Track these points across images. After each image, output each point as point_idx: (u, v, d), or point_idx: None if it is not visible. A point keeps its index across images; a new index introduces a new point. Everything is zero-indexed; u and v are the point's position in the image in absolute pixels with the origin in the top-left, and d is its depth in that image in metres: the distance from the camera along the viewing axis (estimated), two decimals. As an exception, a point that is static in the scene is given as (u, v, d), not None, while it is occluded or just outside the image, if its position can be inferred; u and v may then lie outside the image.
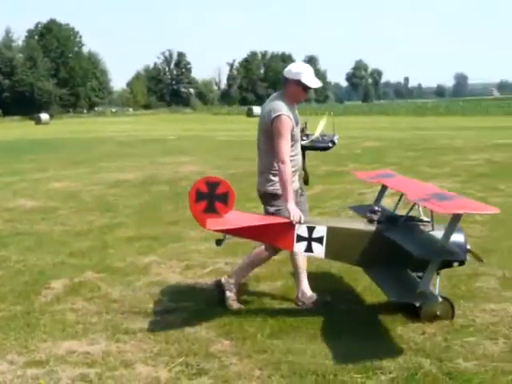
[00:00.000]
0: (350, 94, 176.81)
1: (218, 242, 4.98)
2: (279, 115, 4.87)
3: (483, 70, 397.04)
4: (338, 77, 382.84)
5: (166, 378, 3.89)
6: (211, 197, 4.71)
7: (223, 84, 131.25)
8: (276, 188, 5.01)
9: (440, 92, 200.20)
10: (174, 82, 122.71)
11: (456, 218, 4.25)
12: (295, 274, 5.30)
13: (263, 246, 5.15)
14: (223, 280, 5.25)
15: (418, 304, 4.62)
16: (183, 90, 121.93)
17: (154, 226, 8.60)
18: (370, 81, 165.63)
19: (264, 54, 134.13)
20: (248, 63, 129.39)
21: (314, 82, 5.03)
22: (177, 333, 4.60)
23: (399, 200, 5.39)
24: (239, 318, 4.83)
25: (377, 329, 4.63)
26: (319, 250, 4.81)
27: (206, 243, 7.07)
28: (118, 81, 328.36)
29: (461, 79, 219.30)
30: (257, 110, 57.54)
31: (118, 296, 5.56)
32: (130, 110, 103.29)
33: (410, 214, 5.06)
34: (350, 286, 5.70)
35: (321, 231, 4.78)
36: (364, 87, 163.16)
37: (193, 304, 5.26)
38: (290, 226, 4.76)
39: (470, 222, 8.17)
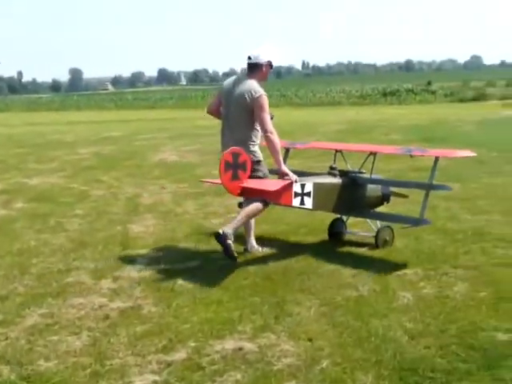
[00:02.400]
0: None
1: (240, 205, 6.12)
2: (262, 94, 5.82)
3: (99, 66, 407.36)
4: None
5: None
6: (235, 166, 5.38)
7: None
8: (257, 155, 5.91)
9: (56, 87, 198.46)
10: None
11: (437, 161, 5.75)
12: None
13: (258, 202, 5.73)
14: (221, 231, 5.55)
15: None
16: None
17: None
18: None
19: None
20: None
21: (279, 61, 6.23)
22: None
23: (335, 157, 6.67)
24: None
25: None
26: (309, 202, 5.81)
27: None
28: None
29: (76, 74, 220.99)
30: None
31: None
32: None
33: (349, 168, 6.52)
34: None
35: (309, 187, 5.79)
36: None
37: None
38: (290, 185, 5.66)
39: (71, 217, 8.19)
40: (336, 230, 6.72)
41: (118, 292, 5.21)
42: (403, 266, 5.57)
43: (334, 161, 6.63)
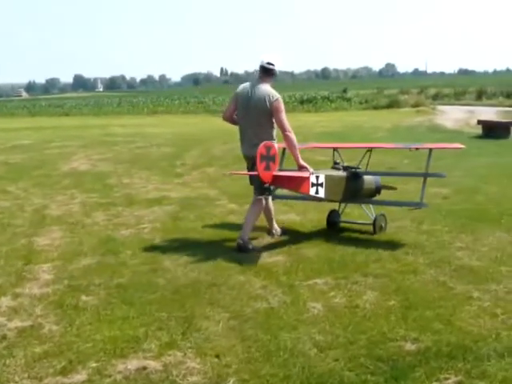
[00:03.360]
0: None
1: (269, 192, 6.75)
2: (278, 98, 6.46)
3: (12, 72, 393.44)
4: None
5: None
6: (268, 158, 5.94)
7: None
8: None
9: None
10: None
11: (431, 153, 6.70)
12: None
13: (261, 201, 6.64)
14: (240, 241, 6.46)
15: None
16: None
17: None
18: None
19: None
20: None
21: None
22: None
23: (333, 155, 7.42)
24: None
25: None
26: (322, 192, 6.47)
27: None
28: None
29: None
30: None
31: None
32: None
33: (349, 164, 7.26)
34: None
35: (322, 178, 6.45)
36: None
37: None
38: (307, 176, 6.32)
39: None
40: (333, 220, 7.41)
41: (17, 310, 4.92)
42: (314, 275, 5.52)
43: (333, 158, 7.38)
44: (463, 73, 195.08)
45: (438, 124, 23.72)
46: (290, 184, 6.47)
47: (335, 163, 7.19)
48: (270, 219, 7.03)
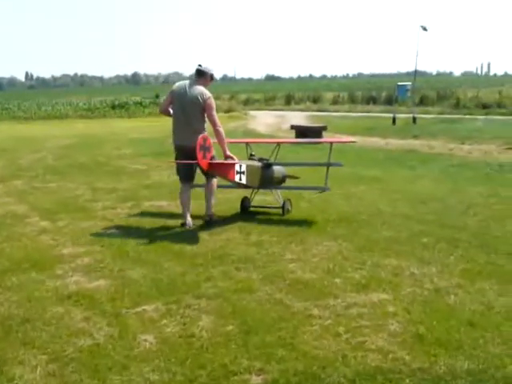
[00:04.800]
0: None
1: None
2: (210, 96, 7.46)
3: None
4: None
5: None
6: (204, 148, 7.04)
7: None
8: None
9: None
10: None
11: (331, 146, 8.16)
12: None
13: (214, 180, 7.66)
14: (208, 217, 7.62)
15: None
16: None
17: None
18: None
19: None
20: None
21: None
22: None
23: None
24: None
25: None
26: (244, 179, 7.53)
27: None
28: None
29: None
30: None
31: None
32: None
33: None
34: None
35: (243, 167, 7.51)
36: None
37: None
38: (234, 165, 7.40)
39: None
40: (244, 205, 8.40)
41: None
42: (142, 300, 4.99)
43: (247, 151, 8.45)
44: (270, 78, 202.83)
45: (251, 129, 24.15)
46: (220, 171, 7.43)
47: (251, 155, 8.32)
48: (186, 209, 7.59)
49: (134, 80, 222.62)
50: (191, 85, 7.54)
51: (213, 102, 7.48)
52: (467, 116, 27.12)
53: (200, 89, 7.45)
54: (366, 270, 5.64)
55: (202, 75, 7.59)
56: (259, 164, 8.04)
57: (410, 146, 16.69)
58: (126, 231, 7.42)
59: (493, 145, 16.00)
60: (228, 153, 7.53)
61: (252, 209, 8.39)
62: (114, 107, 41.74)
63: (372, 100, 39.63)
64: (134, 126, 28.16)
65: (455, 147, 16.02)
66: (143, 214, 8.45)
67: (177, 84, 7.76)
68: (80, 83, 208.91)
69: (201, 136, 7.01)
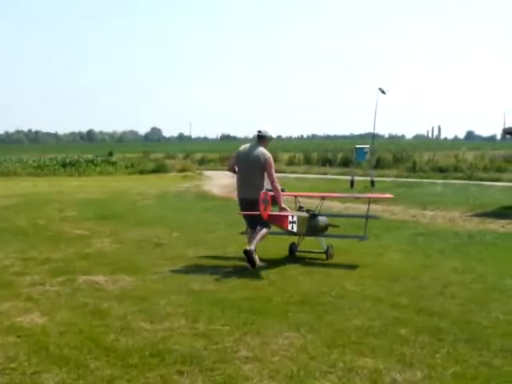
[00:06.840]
0: None
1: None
2: (270, 156, 8.91)
3: None
4: None
5: None
6: (265, 201, 8.21)
7: None
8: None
9: None
10: None
11: (369, 202, 10.22)
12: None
13: (264, 229, 8.68)
14: (248, 248, 8.32)
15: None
16: None
17: None
18: None
19: None
20: None
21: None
22: None
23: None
24: None
25: None
26: (295, 228, 8.80)
27: None
28: None
29: None
30: None
31: None
32: None
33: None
34: None
35: (295, 218, 8.82)
36: None
37: None
38: (287, 216, 8.71)
39: None
40: (292, 250, 9.49)
41: None
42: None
43: (295, 203, 9.83)
44: (226, 138, 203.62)
45: (205, 191, 23.29)
46: (276, 221, 8.67)
47: (300, 207, 9.51)
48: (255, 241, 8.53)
49: (89, 137, 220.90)
50: (253, 147, 9.00)
51: (272, 161, 8.84)
52: (425, 180, 26.76)
53: (261, 150, 8.91)
54: (338, 376, 4.60)
55: (262, 139, 9.09)
56: (307, 215, 9.23)
57: (371, 212, 15.94)
58: (50, 317, 6.25)
59: (456, 211, 15.30)
60: (283, 205, 8.82)
61: (298, 253, 9.46)
62: (64, 165, 40.30)
63: (328, 162, 39.14)
64: (82, 185, 26.88)
65: (418, 213, 15.27)
66: (74, 291, 7.29)
67: (242, 147, 9.18)
68: (34, 140, 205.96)
69: (263, 192, 8.33)
